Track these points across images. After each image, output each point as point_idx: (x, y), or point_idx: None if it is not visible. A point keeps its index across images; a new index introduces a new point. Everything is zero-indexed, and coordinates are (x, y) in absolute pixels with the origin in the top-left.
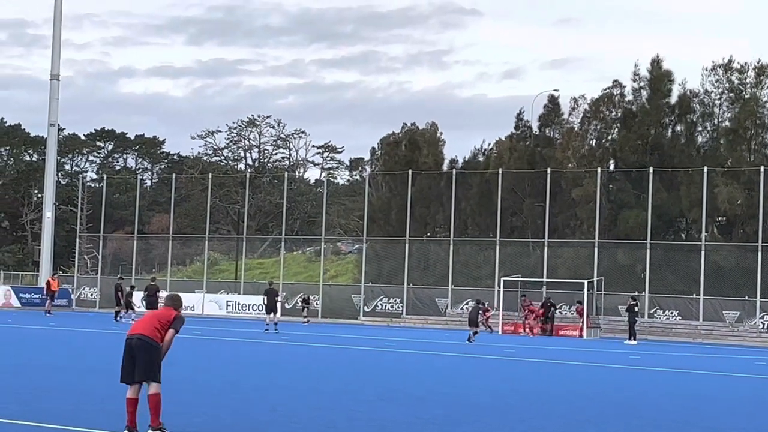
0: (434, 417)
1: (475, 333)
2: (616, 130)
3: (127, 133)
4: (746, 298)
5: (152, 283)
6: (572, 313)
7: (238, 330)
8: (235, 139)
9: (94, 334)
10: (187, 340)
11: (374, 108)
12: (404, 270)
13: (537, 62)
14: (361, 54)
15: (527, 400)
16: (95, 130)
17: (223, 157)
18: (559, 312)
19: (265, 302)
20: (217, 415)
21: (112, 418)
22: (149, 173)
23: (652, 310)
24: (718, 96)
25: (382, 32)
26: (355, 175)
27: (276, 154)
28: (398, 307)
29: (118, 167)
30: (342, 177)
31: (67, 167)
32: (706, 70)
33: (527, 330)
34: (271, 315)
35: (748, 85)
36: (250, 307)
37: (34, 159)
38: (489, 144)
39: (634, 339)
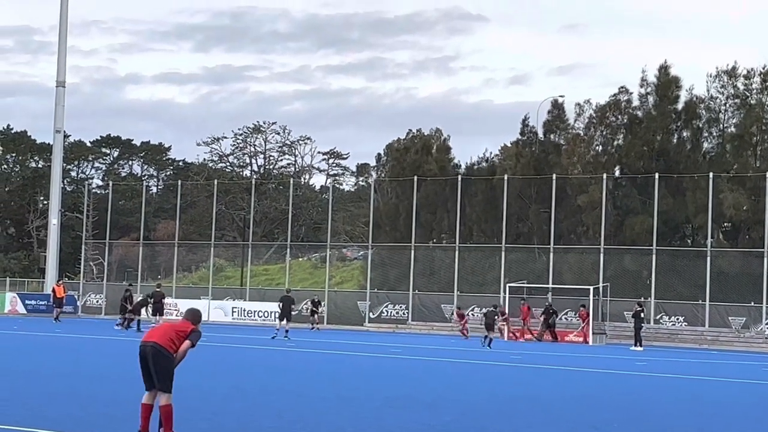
0: (441, 423)
1: (490, 340)
2: (622, 136)
3: (132, 140)
4: (752, 303)
5: (158, 289)
6: (577, 319)
7: (245, 336)
8: (240, 145)
9: (100, 341)
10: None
11: (380, 114)
12: (410, 276)
13: (543, 68)
14: (368, 60)
15: (534, 406)
16: (101, 136)
17: (228, 164)
18: (565, 318)
19: (280, 308)
20: (223, 422)
21: (118, 424)
22: (155, 180)
23: (658, 316)
24: (724, 102)
25: (388, 38)
26: (361, 182)
27: (281, 160)
28: (404, 314)
29: (123, 174)
30: (348, 183)
31: (73, 174)
32: (711, 76)
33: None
34: (284, 322)
35: (754, 91)
36: (256, 313)
37: (40, 166)
38: (491, 153)
39: (640, 345)
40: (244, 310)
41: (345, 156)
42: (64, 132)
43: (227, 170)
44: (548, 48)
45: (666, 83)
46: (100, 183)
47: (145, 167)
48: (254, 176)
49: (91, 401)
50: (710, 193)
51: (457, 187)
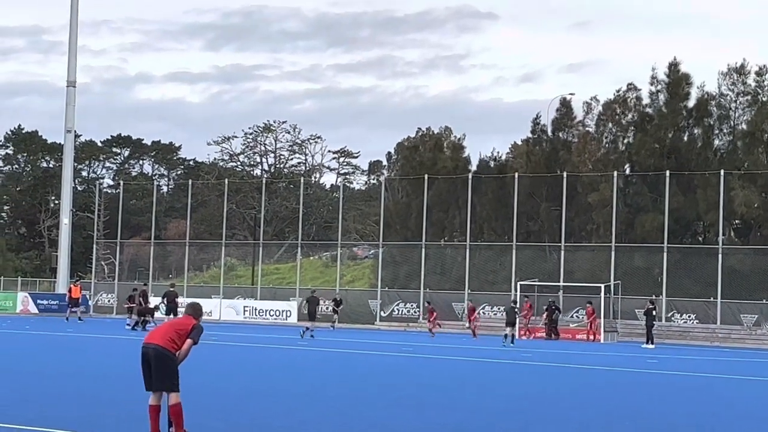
0: (450, 423)
1: (513, 336)
2: (632, 133)
3: (143, 139)
4: (764, 301)
5: (171, 289)
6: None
7: (256, 335)
8: (251, 144)
9: (111, 341)
10: (206, 346)
11: (391, 112)
12: (421, 275)
13: (554, 66)
14: (378, 58)
15: (544, 405)
16: (112, 136)
17: (239, 163)
18: (576, 316)
19: (306, 309)
20: (236, 421)
21: (128, 424)
22: (166, 179)
23: (670, 314)
24: (735, 99)
25: (398, 37)
26: (372, 180)
27: (292, 159)
28: (415, 312)
29: (134, 173)
30: (358, 182)
31: (84, 173)
32: (722, 73)
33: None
34: (311, 322)
35: (765, 88)
36: (267, 312)
37: (51, 165)
38: (499, 152)
39: (652, 343)
40: (256, 309)
41: (355, 155)
42: (75, 132)
43: (238, 169)
44: (558, 46)
45: (676, 80)
46: (111, 182)
47: (156, 167)
48: (265, 175)
49: (101, 402)
50: (721, 190)
51: (468, 185)
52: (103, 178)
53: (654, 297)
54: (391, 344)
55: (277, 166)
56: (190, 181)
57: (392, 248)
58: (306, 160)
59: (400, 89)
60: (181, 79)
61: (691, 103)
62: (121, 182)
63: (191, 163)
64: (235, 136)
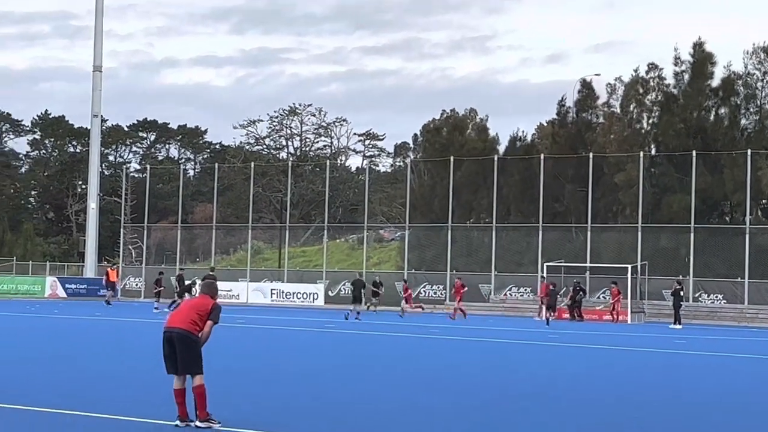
0: (478, 404)
1: (548, 318)
2: (657, 113)
3: (169, 123)
4: None
5: (211, 273)
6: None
7: (284, 318)
8: (276, 128)
9: (139, 324)
10: (234, 329)
11: (416, 95)
12: (447, 257)
13: (580, 46)
14: (404, 41)
15: (572, 386)
16: (138, 120)
17: (265, 146)
18: (603, 297)
19: (352, 291)
20: (265, 403)
21: (158, 407)
22: (192, 163)
23: (697, 294)
24: (761, 78)
25: (424, 18)
26: (398, 162)
27: (317, 142)
28: (441, 294)
29: (161, 157)
30: (384, 164)
31: (111, 158)
32: (747, 53)
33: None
34: (356, 305)
35: None
36: (294, 295)
37: (78, 150)
38: (524, 132)
39: (679, 323)
40: (283, 292)
41: (381, 137)
42: (102, 116)
43: (264, 153)
44: (584, 26)
45: (701, 60)
46: (138, 167)
47: (182, 151)
48: (291, 158)
49: (129, 385)
50: (748, 170)
51: (494, 167)
52: (129, 162)
53: (681, 277)
54: (418, 326)
55: (303, 149)
56: (216, 165)
57: (418, 230)
58: (331, 143)
59: (426, 71)
60: (206, 63)
61: (715, 82)
62: (148, 166)
63: (217, 146)
64: (261, 120)
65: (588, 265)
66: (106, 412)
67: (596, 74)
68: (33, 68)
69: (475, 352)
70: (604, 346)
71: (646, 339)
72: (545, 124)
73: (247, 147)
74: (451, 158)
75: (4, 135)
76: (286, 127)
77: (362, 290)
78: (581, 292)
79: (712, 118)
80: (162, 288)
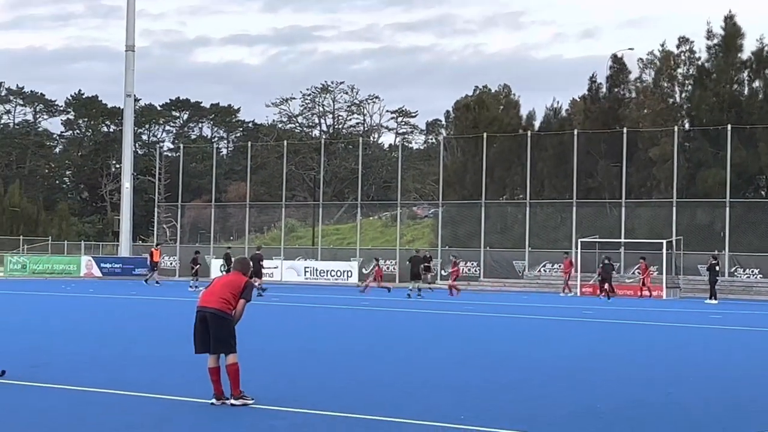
0: (511, 381)
1: (608, 292)
2: (690, 88)
3: (202, 102)
4: None
5: (257, 251)
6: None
7: (317, 296)
8: (309, 105)
9: (175, 303)
10: (268, 307)
11: (449, 71)
12: (481, 233)
13: (613, 21)
14: (437, 17)
15: (605, 362)
16: (171, 99)
17: (297, 125)
18: (638, 272)
19: (411, 269)
20: (300, 382)
21: (195, 385)
22: (225, 142)
23: (733, 269)
24: None
25: None
26: (431, 139)
27: (350, 119)
28: (475, 271)
29: (194, 136)
30: (417, 141)
31: (144, 137)
32: None
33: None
34: (415, 281)
35: None
36: (328, 272)
37: (111, 130)
38: (559, 102)
39: (715, 298)
40: (317, 270)
41: (413, 114)
42: (135, 96)
43: (296, 131)
44: (617, 1)
45: (732, 34)
46: (171, 146)
47: (215, 129)
48: (323, 136)
49: (166, 363)
50: None
51: (527, 143)
52: (163, 141)
53: (717, 252)
54: (452, 303)
55: (336, 126)
56: (249, 144)
57: (452, 207)
58: (364, 120)
59: (459, 47)
60: (239, 41)
61: (746, 55)
62: (181, 145)
63: (250, 125)
64: (294, 98)
65: (622, 240)
66: (143, 390)
67: (629, 49)
68: (66, 48)
69: (509, 328)
70: (639, 322)
71: (682, 314)
72: (578, 100)
73: (280, 125)
74: (484, 135)
75: (38, 115)
76: (319, 105)
77: (420, 267)
78: (611, 268)
79: (746, 91)
80: (198, 266)
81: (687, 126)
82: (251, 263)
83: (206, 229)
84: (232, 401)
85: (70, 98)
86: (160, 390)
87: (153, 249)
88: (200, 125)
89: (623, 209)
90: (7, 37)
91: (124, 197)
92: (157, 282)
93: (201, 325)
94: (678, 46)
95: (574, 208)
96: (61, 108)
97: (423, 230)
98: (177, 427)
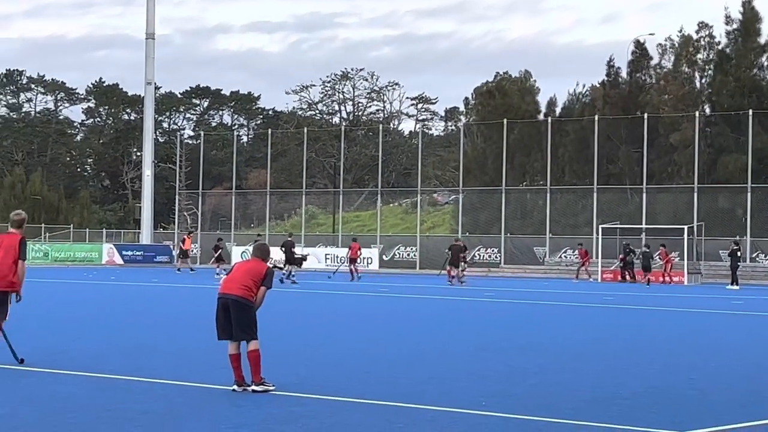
0: (534, 366)
1: (648, 280)
2: (710, 73)
3: (222, 90)
4: None
5: (289, 238)
6: (672, 258)
7: (338, 283)
8: (329, 92)
9: (196, 290)
10: (292, 294)
11: (469, 57)
12: (501, 219)
13: (634, 6)
14: (457, 3)
15: (629, 348)
16: (191, 87)
17: (317, 112)
18: (659, 258)
19: (449, 256)
20: (318, 367)
21: (215, 372)
22: (245, 129)
23: (755, 255)
24: None
25: None
26: (451, 126)
27: (370, 106)
28: (496, 257)
29: (214, 124)
30: (437, 128)
31: (165, 125)
32: None
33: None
34: (452, 269)
35: None
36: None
37: (132, 118)
38: (583, 86)
39: (737, 284)
40: (337, 257)
41: (434, 101)
42: (155, 84)
43: (316, 118)
44: None
45: (751, 19)
46: (192, 133)
47: (236, 117)
48: (343, 123)
49: (187, 350)
50: None
51: (548, 129)
52: (183, 129)
53: (738, 238)
54: (472, 290)
55: (356, 113)
56: (269, 131)
57: (472, 193)
58: (384, 107)
59: (479, 34)
60: (259, 28)
61: (763, 39)
62: (202, 133)
63: (270, 112)
64: (314, 85)
65: (644, 226)
66: (164, 377)
67: (650, 34)
68: (87, 36)
69: (530, 316)
70: (660, 308)
71: (703, 300)
72: (597, 86)
73: (300, 112)
74: (505, 121)
75: (59, 103)
76: (339, 92)
77: (459, 255)
78: (631, 254)
79: (766, 76)
80: (221, 250)
81: (708, 111)
82: (282, 248)
83: (227, 217)
84: (254, 387)
85: (91, 86)
86: (181, 377)
87: (185, 236)
88: (221, 113)
89: (644, 195)
90: (28, 26)
91: (145, 185)
92: (191, 269)
93: (223, 312)
94: (697, 31)
95: (595, 194)
96: (82, 96)
97: (443, 217)
98: (197, 413)
